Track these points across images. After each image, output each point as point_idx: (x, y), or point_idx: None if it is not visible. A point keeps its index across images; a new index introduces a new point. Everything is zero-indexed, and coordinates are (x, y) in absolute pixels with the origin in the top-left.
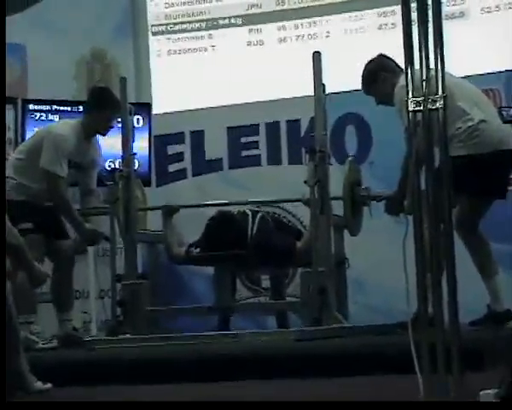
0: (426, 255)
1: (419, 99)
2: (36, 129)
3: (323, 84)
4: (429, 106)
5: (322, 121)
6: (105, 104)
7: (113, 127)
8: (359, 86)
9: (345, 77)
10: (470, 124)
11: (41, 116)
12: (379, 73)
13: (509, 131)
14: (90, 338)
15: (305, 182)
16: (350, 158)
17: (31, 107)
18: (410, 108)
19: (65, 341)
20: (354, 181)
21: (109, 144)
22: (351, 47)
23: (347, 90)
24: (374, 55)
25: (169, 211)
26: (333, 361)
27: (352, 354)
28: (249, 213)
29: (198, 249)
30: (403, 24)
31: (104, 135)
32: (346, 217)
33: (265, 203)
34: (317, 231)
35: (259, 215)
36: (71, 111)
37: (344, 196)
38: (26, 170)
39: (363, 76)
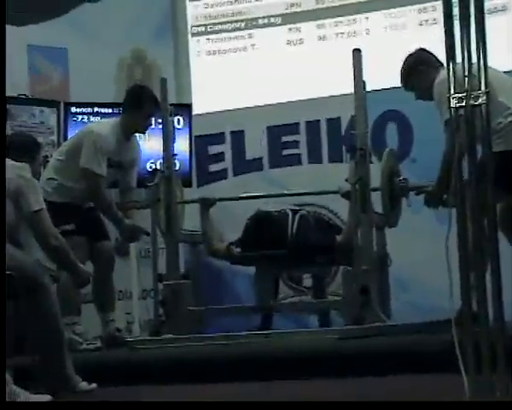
0: (469, 252)
1: (461, 95)
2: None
3: (364, 82)
4: (471, 102)
5: (362, 119)
6: (143, 102)
7: (151, 125)
8: (400, 83)
9: (385, 74)
10: (511, 119)
11: (83, 119)
12: (418, 68)
13: None
14: (132, 339)
15: (347, 180)
16: (388, 149)
17: (73, 110)
18: (452, 105)
19: (109, 342)
20: (392, 172)
21: (150, 145)
22: (391, 44)
23: (388, 87)
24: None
25: (206, 203)
26: (375, 360)
27: (395, 353)
28: (289, 212)
29: (239, 249)
30: (444, 19)
31: (143, 133)
32: (385, 208)
33: (303, 200)
34: (359, 229)
35: (299, 214)
36: (112, 113)
37: (382, 187)
38: (67, 170)
39: (402, 70)
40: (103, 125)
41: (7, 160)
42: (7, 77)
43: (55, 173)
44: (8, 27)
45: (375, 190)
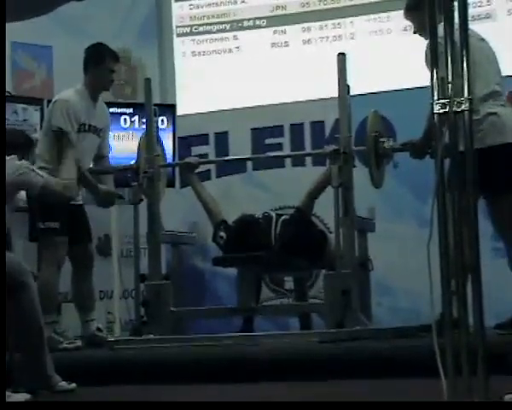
0: (450, 258)
1: (444, 101)
2: None
3: (348, 86)
4: (455, 108)
5: (346, 123)
6: (104, 58)
7: (113, 80)
8: (384, 87)
9: (370, 78)
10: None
11: None
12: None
13: None
14: (113, 339)
15: (329, 184)
16: (372, 110)
17: None
18: (435, 110)
19: (89, 341)
20: (377, 132)
21: (133, 145)
22: (375, 48)
23: (372, 91)
24: (398, 56)
25: (189, 167)
26: (356, 363)
27: (375, 357)
28: (273, 215)
29: (224, 235)
30: (429, 26)
31: (108, 89)
32: (370, 168)
33: (286, 203)
34: (341, 232)
35: (282, 218)
36: None
37: (367, 148)
38: (47, 149)
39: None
40: (68, 91)
41: None
42: None
43: (40, 161)
44: None
45: (360, 149)
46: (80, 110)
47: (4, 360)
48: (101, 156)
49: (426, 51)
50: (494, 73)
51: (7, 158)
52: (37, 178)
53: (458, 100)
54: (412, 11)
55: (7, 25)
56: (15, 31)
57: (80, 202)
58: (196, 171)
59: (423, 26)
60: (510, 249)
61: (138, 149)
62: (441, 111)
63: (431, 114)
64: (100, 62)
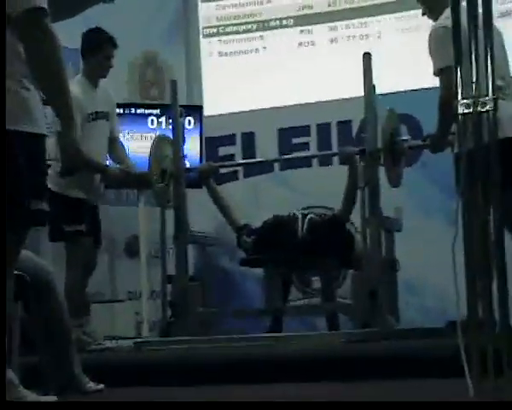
0: (476, 257)
1: (468, 101)
2: None
3: (374, 85)
4: (479, 108)
5: (372, 122)
6: (101, 44)
7: (112, 67)
8: (411, 86)
9: (397, 77)
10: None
11: None
12: None
13: None
14: (141, 340)
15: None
16: (388, 108)
17: None
18: (460, 111)
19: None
20: (393, 130)
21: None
22: (403, 47)
23: (399, 90)
24: (426, 55)
25: (206, 171)
26: (383, 364)
27: (403, 357)
28: (299, 215)
29: (251, 238)
30: (452, 24)
31: (105, 76)
32: (386, 167)
33: (312, 203)
34: (367, 232)
35: (308, 217)
36: (123, 113)
37: (383, 146)
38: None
39: None
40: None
41: None
42: None
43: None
44: None
45: (378, 150)
46: (83, 101)
47: (4, 359)
48: (113, 139)
49: (430, 35)
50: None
51: None
52: None
53: (483, 100)
54: None
55: None
56: None
57: (95, 204)
58: (223, 171)
59: (431, 7)
60: None
61: (151, 149)
62: (465, 111)
63: (440, 102)
64: (97, 49)
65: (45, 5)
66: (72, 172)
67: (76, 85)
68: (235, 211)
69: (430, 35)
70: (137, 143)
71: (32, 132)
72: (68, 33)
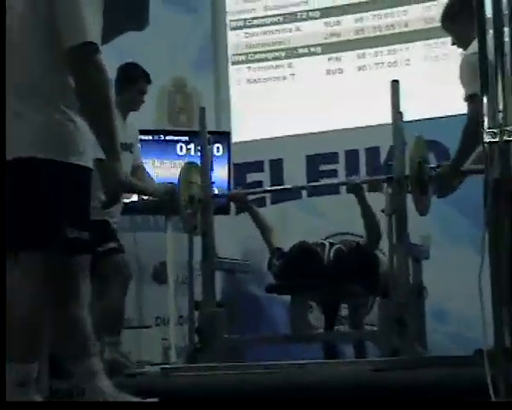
0: (502, 286)
1: (495, 130)
2: None
3: (401, 112)
4: (505, 137)
5: (400, 149)
6: (135, 79)
7: (144, 101)
8: (439, 113)
9: (425, 104)
10: None
11: None
12: (463, 13)
13: None
14: (168, 365)
15: (383, 211)
16: (416, 135)
17: None
18: (486, 140)
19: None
20: (421, 158)
21: None
22: (431, 74)
23: (428, 117)
24: (455, 81)
25: (236, 197)
26: (411, 392)
27: (430, 385)
28: (327, 243)
29: (279, 261)
30: (479, 52)
31: (136, 110)
32: (414, 195)
33: (340, 230)
34: (395, 260)
35: (336, 247)
36: (152, 140)
37: (410, 174)
38: None
39: (446, 8)
40: None
41: None
42: None
43: None
44: None
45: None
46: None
47: (4, 359)
48: (136, 167)
49: (462, 62)
50: None
51: None
52: None
53: (510, 129)
54: (448, 22)
55: None
56: None
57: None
58: (251, 198)
59: (460, 37)
60: None
61: (179, 176)
62: (492, 140)
63: (464, 133)
64: (132, 83)
65: (98, 40)
66: (116, 203)
67: None
68: (275, 234)
69: (462, 62)
70: (166, 171)
71: (78, 164)
72: None
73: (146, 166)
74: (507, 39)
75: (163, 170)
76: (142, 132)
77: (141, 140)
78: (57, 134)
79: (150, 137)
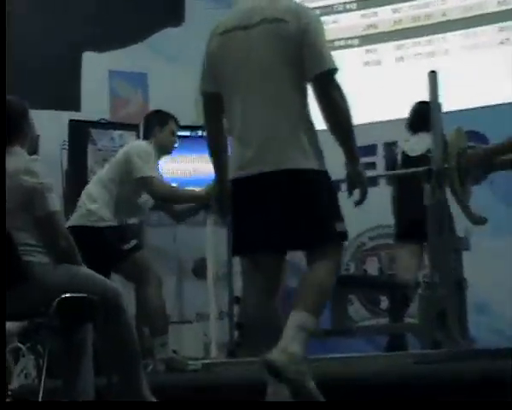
0: None
1: None
2: None
3: (439, 104)
4: None
5: (439, 141)
6: (165, 120)
7: (176, 144)
8: (479, 103)
9: (464, 94)
10: None
11: None
12: None
13: None
14: (209, 361)
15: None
16: (456, 127)
17: None
18: None
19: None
20: (460, 149)
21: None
22: (470, 64)
23: (467, 107)
24: (495, 71)
25: None
26: (453, 385)
27: (472, 378)
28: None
29: None
30: None
31: (170, 153)
32: (454, 187)
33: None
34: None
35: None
36: (190, 136)
37: (450, 165)
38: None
39: None
40: (143, 142)
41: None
42: (89, 102)
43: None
44: (90, 54)
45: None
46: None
47: (4, 360)
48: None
49: None
50: None
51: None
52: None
53: None
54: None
55: (103, 54)
56: (112, 59)
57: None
58: None
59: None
60: None
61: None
62: None
63: None
64: (164, 124)
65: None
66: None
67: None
68: None
69: None
70: (204, 166)
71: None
72: (136, 58)
73: (184, 160)
74: None
75: (201, 165)
76: (182, 128)
77: (180, 136)
78: (319, 149)
79: (188, 133)
